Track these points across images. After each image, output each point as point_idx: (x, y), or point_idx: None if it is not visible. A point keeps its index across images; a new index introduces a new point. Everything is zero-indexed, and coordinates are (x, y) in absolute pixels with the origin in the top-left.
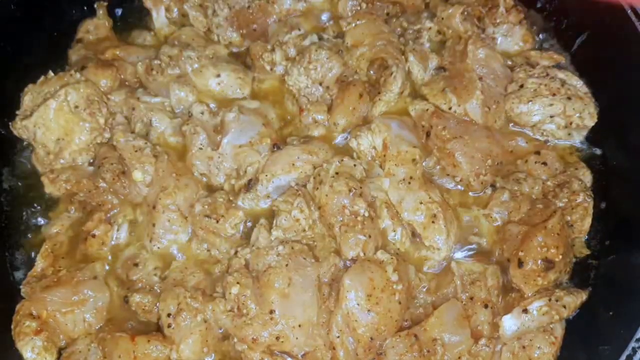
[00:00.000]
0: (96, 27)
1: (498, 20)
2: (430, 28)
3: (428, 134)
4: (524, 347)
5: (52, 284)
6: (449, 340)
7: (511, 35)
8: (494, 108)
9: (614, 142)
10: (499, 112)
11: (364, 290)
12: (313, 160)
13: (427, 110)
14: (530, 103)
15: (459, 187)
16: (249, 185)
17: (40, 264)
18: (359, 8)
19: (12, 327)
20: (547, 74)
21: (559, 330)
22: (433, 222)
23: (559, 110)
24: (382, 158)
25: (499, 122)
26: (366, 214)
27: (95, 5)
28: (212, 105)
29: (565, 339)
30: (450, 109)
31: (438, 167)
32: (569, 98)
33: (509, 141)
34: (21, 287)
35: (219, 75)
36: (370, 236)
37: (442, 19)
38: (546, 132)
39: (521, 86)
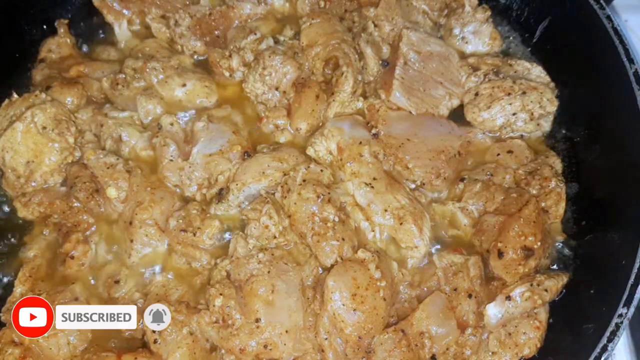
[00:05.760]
0: (58, 45)
1: (466, 20)
2: (375, 16)
3: (376, 135)
4: (509, 334)
5: None
6: (436, 332)
7: (479, 33)
8: (421, 92)
9: (582, 123)
10: (428, 96)
11: (348, 290)
12: (283, 167)
13: (369, 107)
14: (489, 109)
15: (422, 190)
16: (220, 195)
17: (19, 289)
18: (317, 7)
19: None
20: (497, 73)
21: (543, 315)
22: (402, 223)
23: (518, 108)
24: (339, 162)
25: (422, 107)
26: (336, 219)
27: (56, 24)
28: (180, 115)
29: (550, 321)
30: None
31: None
32: (523, 93)
33: (467, 133)
34: (1, 314)
35: (184, 85)
36: (343, 239)
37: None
38: (516, 129)
39: (476, 94)
